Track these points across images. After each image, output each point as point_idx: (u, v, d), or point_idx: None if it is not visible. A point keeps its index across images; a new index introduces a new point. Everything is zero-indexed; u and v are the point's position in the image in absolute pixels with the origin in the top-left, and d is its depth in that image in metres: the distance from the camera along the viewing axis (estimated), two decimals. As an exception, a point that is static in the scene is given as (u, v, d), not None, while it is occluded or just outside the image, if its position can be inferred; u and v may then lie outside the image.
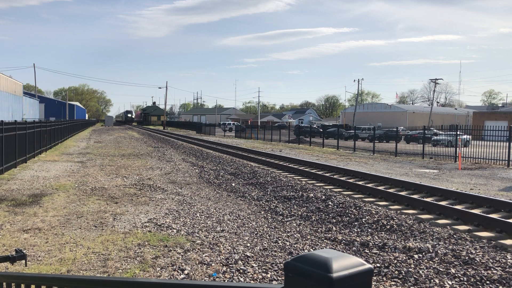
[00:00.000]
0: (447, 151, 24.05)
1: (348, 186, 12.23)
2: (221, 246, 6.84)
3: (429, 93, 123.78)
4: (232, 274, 5.65)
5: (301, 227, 8.28)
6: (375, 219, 8.41)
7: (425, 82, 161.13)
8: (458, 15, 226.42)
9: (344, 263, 1.05)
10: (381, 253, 6.54)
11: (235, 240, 7.22)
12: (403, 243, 6.93)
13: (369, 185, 12.23)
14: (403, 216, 8.60)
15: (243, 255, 6.41)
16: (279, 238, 7.45)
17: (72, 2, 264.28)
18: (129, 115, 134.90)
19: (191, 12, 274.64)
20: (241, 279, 5.49)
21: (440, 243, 6.80)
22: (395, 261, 6.14)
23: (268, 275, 5.65)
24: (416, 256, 6.28)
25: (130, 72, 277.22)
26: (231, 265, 5.94)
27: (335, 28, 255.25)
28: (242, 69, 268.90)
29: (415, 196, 10.40)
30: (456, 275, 5.55)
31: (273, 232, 7.84)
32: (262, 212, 9.56)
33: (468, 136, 28.78)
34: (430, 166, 20.32)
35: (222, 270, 5.75)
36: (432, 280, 5.42)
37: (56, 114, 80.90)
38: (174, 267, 5.84)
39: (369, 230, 7.79)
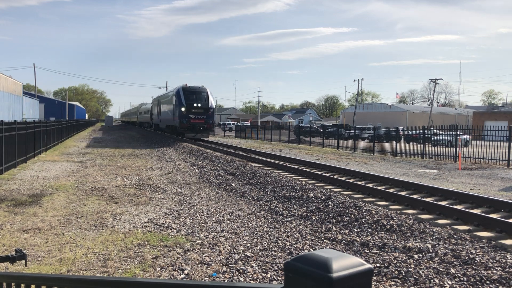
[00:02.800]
0: (447, 151, 24.05)
1: (348, 186, 12.23)
2: (221, 246, 6.84)
3: (429, 93, 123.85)
4: (232, 274, 5.65)
5: (301, 227, 8.27)
6: (375, 219, 8.41)
7: (425, 82, 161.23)
8: (457, 15, 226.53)
9: (344, 263, 1.05)
10: (381, 253, 6.53)
11: (235, 240, 7.22)
12: (403, 243, 6.93)
13: (369, 185, 12.23)
14: (403, 216, 8.60)
15: (243, 255, 6.41)
16: (279, 238, 7.45)
17: (71, 2, 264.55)
18: (196, 108, 33.98)
19: (190, 12, 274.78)
20: (241, 279, 5.49)
21: (440, 243, 6.80)
22: (395, 261, 6.14)
23: (268, 275, 5.65)
24: (416, 256, 6.28)
25: (130, 72, 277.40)
26: (231, 265, 5.94)
27: (334, 28, 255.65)
28: (242, 69, 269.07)
29: (415, 196, 10.40)
30: (456, 275, 5.55)
31: (273, 232, 7.84)
32: (262, 212, 9.56)
33: (468, 136, 28.76)
34: (430, 166, 20.32)
35: (222, 270, 5.75)
36: (432, 280, 5.42)
37: (56, 114, 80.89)
38: (174, 267, 5.84)
39: (369, 230, 7.79)
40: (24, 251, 3.12)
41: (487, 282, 5.33)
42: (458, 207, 9.36)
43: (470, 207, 9.60)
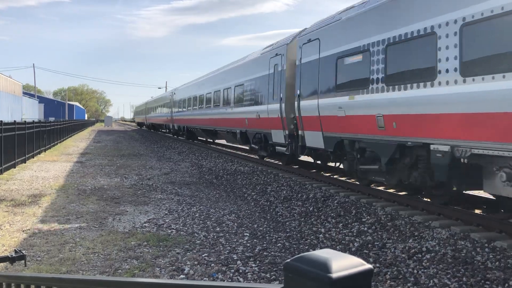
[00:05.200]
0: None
1: (348, 186, 12.22)
2: (221, 246, 6.84)
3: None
4: (231, 274, 5.65)
5: (301, 227, 8.27)
6: (375, 219, 8.41)
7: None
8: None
9: (343, 263, 1.05)
10: (381, 253, 6.54)
11: (235, 240, 7.22)
12: (403, 243, 6.93)
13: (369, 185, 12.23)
14: (402, 216, 8.60)
15: (242, 255, 6.40)
16: (279, 239, 7.45)
17: (70, 2, 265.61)
18: None
19: (189, 12, 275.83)
20: (241, 279, 5.49)
21: (440, 243, 6.80)
22: (395, 261, 6.14)
23: (268, 275, 5.65)
24: (415, 256, 6.29)
25: (129, 72, 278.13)
26: (230, 265, 5.94)
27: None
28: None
29: (415, 196, 10.39)
30: (456, 275, 5.55)
31: (272, 233, 7.84)
32: (262, 212, 9.56)
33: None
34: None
35: (222, 270, 5.75)
36: (432, 280, 5.42)
37: (55, 114, 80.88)
38: (174, 267, 5.84)
39: (369, 231, 7.79)
40: (23, 251, 3.12)
41: (487, 282, 5.33)
42: (458, 207, 9.35)
43: (470, 207, 9.59)
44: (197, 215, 8.93)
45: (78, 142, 33.79)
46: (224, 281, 5.42)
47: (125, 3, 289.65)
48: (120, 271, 5.68)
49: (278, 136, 14.58)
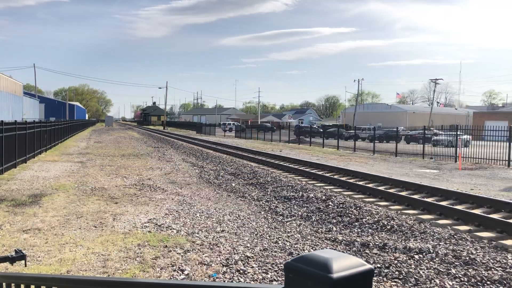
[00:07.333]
0: (448, 151, 24.03)
1: (349, 186, 12.23)
2: (221, 246, 6.83)
3: (429, 93, 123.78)
4: (232, 274, 5.64)
5: (301, 228, 8.27)
6: (376, 219, 8.40)
7: (425, 82, 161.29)
8: (456, 14, 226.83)
9: (344, 263, 1.05)
10: (381, 254, 6.52)
11: (235, 240, 7.21)
12: (403, 243, 6.92)
13: (370, 185, 12.23)
14: (403, 216, 8.59)
15: (243, 255, 6.40)
16: (279, 239, 7.44)
17: (69, 2, 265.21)
18: None
19: (187, 12, 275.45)
20: (241, 280, 5.48)
21: (440, 243, 6.79)
22: (396, 261, 6.13)
23: (268, 276, 5.64)
24: (416, 256, 6.27)
25: (130, 72, 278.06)
26: (231, 266, 5.93)
27: (333, 28, 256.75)
28: (241, 69, 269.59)
29: (415, 196, 10.39)
30: (457, 275, 5.54)
31: (273, 233, 7.83)
32: (262, 213, 9.55)
33: (468, 136, 28.73)
34: (430, 166, 20.30)
35: (222, 271, 5.74)
36: (432, 281, 5.41)
37: (56, 114, 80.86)
38: (174, 267, 5.83)
39: (370, 231, 7.78)
40: (23, 252, 3.11)
41: (488, 282, 5.32)
42: (458, 207, 9.35)
43: (470, 207, 9.59)
44: (197, 215, 8.92)
45: (78, 142, 33.79)
46: (224, 281, 5.41)
47: (124, 3, 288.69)
48: (120, 271, 5.67)
49: None
